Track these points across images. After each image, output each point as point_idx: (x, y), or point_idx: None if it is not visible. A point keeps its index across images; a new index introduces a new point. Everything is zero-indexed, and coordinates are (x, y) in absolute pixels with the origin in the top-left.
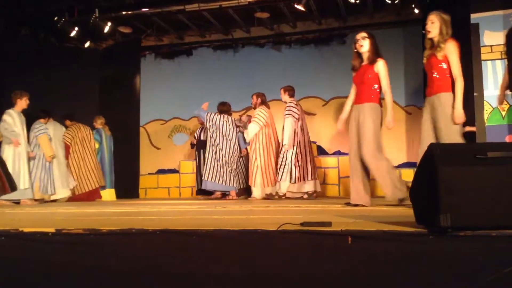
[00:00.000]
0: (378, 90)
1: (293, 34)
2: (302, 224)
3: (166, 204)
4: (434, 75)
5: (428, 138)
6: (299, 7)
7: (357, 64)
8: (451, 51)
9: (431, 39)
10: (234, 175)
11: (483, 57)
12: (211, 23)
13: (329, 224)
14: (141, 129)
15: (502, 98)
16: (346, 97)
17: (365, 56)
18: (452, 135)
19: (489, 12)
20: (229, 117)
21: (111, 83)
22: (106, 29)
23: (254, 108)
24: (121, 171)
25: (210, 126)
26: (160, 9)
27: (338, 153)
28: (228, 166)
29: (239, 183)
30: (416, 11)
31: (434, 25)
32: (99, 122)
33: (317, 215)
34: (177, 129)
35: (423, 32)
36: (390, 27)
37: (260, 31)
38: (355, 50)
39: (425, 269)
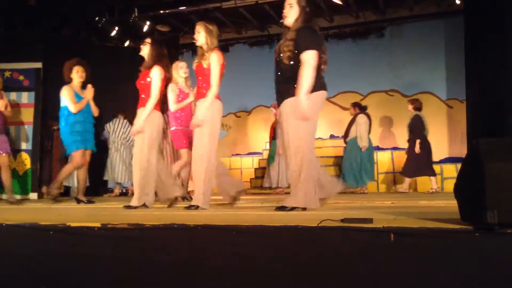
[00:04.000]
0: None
1: (330, 28)
2: (342, 220)
3: None
4: (201, 82)
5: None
6: (336, 0)
7: (142, 66)
8: (213, 61)
9: (201, 47)
10: None
11: None
12: (247, 19)
13: (370, 220)
14: None
15: None
16: (385, 91)
17: (145, 60)
18: (200, 136)
19: None
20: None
21: None
22: (145, 28)
23: None
24: None
25: (111, 135)
26: (197, 7)
27: (376, 148)
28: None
29: None
30: (458, 1)
31: (200, 35)
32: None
33: (356, 211)
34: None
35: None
36: (430, 19)
37: None
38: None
39: (470, 267)
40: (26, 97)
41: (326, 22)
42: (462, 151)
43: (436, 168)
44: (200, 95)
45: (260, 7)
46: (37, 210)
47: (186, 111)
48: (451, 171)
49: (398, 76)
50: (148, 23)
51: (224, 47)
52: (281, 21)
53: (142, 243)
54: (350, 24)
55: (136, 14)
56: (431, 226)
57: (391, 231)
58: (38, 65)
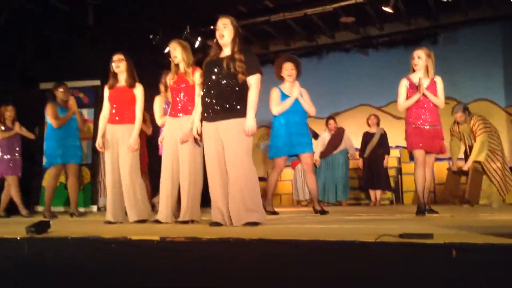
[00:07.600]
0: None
1: (380, 37)
2: (401, 235)
3: None
4: (184, 98)
5: None
6: (387, 9)
7: (113, 83)
8: (198, 78)
9: (177, 65)
10: None
11: None
12: (295, 31)
13: (430, 236)
14: None
15: None
16: None
17: (122, 77)
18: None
19: None
20: None
21: None
22: (197, 44)
23: None
24: None
25: None
26: (246, 21)
27: None
28: None
29: None
30: None
31: (177, 51)
32: None
33: (415, 225)
34: (263, 137)
35: None
36: (487, 24)
37: (345, 35)
38: (112, 70)
39: None
40: (85, 114)
41: (376, 30)
42: None
43: None
44: (186, 111)
45: (308, 18)
46: (98, 224)
47: None
48: None
49: (454, 83)
50: (199, 38)
51: (272, 59)
52: (214, 40)
53: (199, 256)
54: (401, 32)
55: (188, 31)
56: (495, 241)
57: (453, 246)
58: (97, 82)
